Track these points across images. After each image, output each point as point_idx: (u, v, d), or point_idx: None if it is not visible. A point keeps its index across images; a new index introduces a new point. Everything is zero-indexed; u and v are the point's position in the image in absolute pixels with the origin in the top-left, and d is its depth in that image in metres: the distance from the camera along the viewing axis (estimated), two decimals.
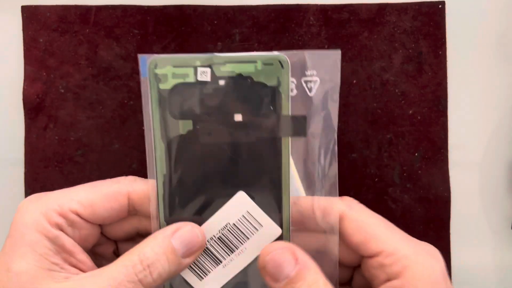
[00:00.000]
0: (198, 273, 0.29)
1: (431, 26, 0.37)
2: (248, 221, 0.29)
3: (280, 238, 0.29)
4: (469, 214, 0.38)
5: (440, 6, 0.37)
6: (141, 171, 0.37)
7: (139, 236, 0.31)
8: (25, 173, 0.37)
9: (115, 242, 0.33)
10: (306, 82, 0.29)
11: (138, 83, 0.37)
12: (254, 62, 0.28)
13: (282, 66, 0.28)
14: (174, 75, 0.28)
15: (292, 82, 0.29)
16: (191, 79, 0.28)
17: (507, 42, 0.38)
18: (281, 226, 0.29)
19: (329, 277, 0.28)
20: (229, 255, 0.29)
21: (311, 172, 0.30)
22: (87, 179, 0.37)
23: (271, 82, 0.28)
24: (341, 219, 0.29)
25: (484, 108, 0.38)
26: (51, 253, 0.27)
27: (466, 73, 0.38)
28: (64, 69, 0.37)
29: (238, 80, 0.28)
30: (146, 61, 0.28)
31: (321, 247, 0.30)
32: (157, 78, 0.28)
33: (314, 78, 0.29)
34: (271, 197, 0.29)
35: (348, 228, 0.29)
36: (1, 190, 0.38)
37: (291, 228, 0.29)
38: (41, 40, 0.37)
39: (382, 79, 0.37)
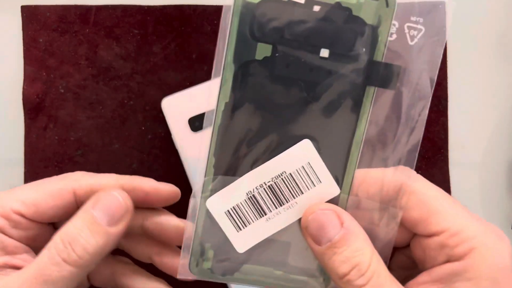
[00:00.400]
0: (237, 223, 0.26)
1: None
2: (307, 173, 0.26)
3: (336, 200, 0.26)
4: None
5: (440, 6, 0.37)
6: (141, 171, 0.37)
7: None
8: (25, 173, 0.37)
9: None
10: (409, 28, 0.26)
11: (138, 83, 0.37)
12: None
13: (387, 4, 0.24)
14: None
15: (393, 25, 0.25)
16: None
17: (507, 42, 0.38)
18: (340, 187, 0.26)
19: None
20: (276, 208, 0.26)
21: (389, 134, 0.27)
22: None
23: (371, 20, 0.25)
24: (400, 192, 0.26)
25: (484, 108, 0.38)
26: None
27: (466, 73, 0.38)
28: (64, 69, 0.37)
29: (335, 10, 0.24)
30: None
31: (371, 224, 0.27)
32: None
33: (420, 26, 0.26)
34: (338, 153, 0.26)
35: (408, 202, 0.26)
36: (0, 191, 0.38)
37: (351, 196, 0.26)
38: (41, 40, 0.37)
39: None
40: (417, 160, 0.37)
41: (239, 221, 0.26)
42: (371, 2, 0.24)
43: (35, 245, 0.28)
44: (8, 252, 0.27)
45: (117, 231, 0.27)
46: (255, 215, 0.26)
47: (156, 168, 0.37)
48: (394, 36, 0.26)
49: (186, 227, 0.27)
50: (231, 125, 0.25)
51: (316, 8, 0.24)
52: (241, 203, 0.26)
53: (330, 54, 0.25)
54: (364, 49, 0.25)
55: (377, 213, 0.27)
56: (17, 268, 0.27)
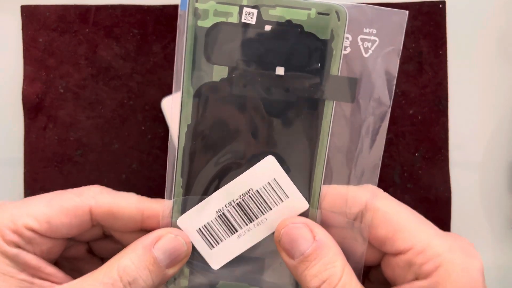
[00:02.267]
0: (209, 240, 0.27)
1: (431, 25, 0.37)
2: (274, 189, 0.26)
3: (305, 214, 0.26)
4: (469, 214, 0.38)
5: (440, 5, 0.37)
6: (141, 172, 0.37)
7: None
8: (25, 173, 0.37)
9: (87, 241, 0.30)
10: (363, 40, 0.26)
11: (138, 83, 0.37)
12: (308, 9, 0.24)
13: (339, 18, 0.24)
14: (216, 13, 0.25)
15: (347, 38, 0.25)
16: (234, 19, 0.25)
17: (508, 42, 0.38)
18: (308, 201, 0.26)
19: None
20: (246, 225, 0.26)
21: (351, 147, 0.27)
22: (87, 179, 0.37)
23: (324, 35, 0.25)
24: (364, 210, 0.26)
25: (484, 108, 0.38)
26: (16, 271, 0.25)
27: (466, 73, 0.38)
28: (63, 69, 0.37)
29: (287, 28, 0.25)
30: None
31: (341, 239, 0.27)
32: (197, 14, 0.25)
33: (373, 38, 0.26)
34: (303, 167, 0.26)
35: (374, 220, 0.26)
36: (0, 190, 0.38)
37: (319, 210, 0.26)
38: (41, 40, 0.37)
39: None
40: (418, 161, 0.37)
41: (211, 239, 0.27)
42: (322, 17, 0.25)
43: (51, 257, 0.28)
44: (30, 266, 0.26)
45: (173, 274, 0.26)
46: (226, 232, 0.27)
47: (156, 168, 0.37)
48: (349, 49, 0.26)
49: None
50: (195, 146, 0.26)
51: (268, 27, 0.25)
52: (211, 221, 0.26)
53: (285, 71, 0.25)
54: (319, 64, 0.25)
55: (345, 228, 0.27)
56: (47, 280, 0.26)
